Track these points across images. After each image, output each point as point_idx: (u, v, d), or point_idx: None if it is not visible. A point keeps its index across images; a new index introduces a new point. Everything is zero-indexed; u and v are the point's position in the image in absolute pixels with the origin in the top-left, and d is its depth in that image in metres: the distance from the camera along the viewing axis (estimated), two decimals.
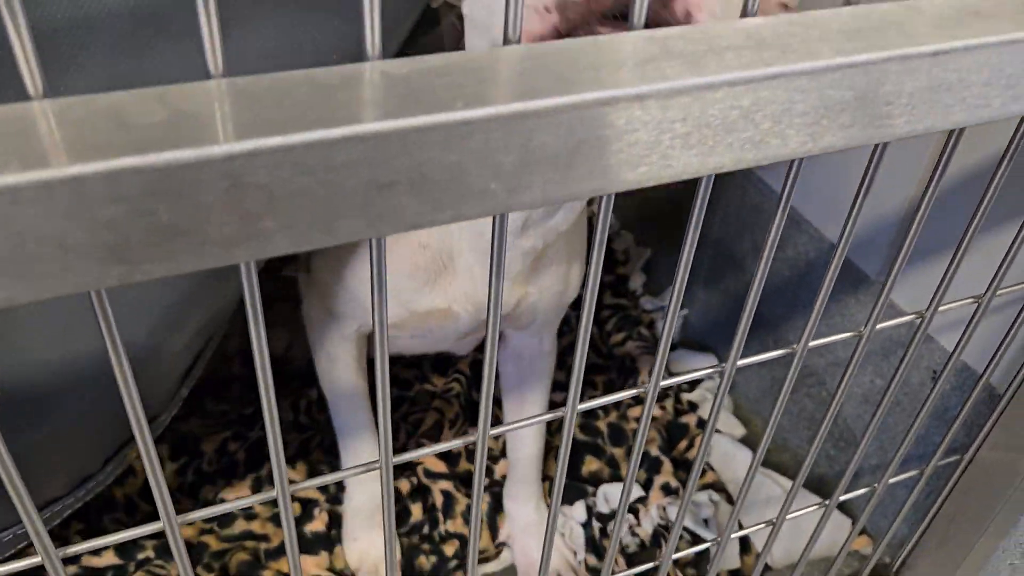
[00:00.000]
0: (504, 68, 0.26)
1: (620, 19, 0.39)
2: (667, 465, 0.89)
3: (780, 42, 0.29)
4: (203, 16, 0.24)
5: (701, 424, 0.96)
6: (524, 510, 0.85)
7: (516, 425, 0.44)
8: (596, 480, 0.91)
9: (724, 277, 1.03)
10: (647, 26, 0.29)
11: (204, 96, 0.24)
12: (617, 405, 1.00)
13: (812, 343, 0.47)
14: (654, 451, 0.91)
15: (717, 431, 0.97)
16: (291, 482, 0.38)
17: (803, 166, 0.35)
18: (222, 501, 0.38)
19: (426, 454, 0.41)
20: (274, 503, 0.48)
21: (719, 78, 0.27)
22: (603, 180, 0.27)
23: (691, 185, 0.33)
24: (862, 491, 0.65)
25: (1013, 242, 0.49)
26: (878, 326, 0.48)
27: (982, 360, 0.64)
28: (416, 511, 0.88)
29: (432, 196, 0.25)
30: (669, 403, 0.98)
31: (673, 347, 1.09)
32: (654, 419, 0.96)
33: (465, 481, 0.91)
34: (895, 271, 0.44)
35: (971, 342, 0.60)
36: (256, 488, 0.87)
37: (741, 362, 0.46)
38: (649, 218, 1.17)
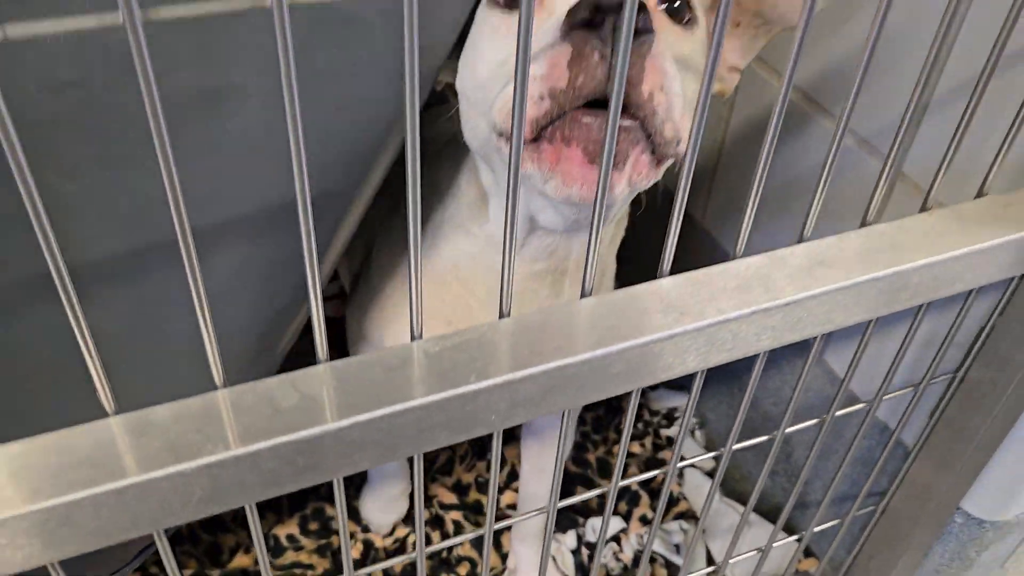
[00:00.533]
0: (506, 342, 0.41)
1: (600, 104, 0.46)
2: (644, 498, 1.05)
3: (682, 303, 0.44)
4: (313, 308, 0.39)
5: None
6: (530, 552, 1.00)
7: (521, 518, 0.59)
8: (586, 510, 1.07)
9: None
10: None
11: (317, 380, 0.39)
12: (605, 439, 1.15)
13: (789, 429, 0.62)
14: (634, 486, 1.06)
15: (691, 466, 1.12)
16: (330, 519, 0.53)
17: None
18: (274, 536, 0.53)
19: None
20: (319, 535, 0.63)
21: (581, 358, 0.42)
22: (573, 399, 0.42)
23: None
24: (822, 526, 0.81)
25: (941, 346, 0.64)
26: (837, 412, 0.64)
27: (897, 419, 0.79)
28: (435, 537, 1.04)
29: (453, 430, 0.40)
30: (648, 439, 1.14)
31: (653, 387, 1.24)
32: (633, 455, 1.12)
33: (474, 509, 1.07)
34: (852, 366, 0.59)
35: (889, 406, 0.75)
36: (302, 523, 1.03)
37: (737, 446, 0.62)
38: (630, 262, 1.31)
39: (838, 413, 0.64)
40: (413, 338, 0.41)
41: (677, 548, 1.01)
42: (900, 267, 0.46)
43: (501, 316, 0.42)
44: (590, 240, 0.41)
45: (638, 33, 0.44)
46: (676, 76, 0.47)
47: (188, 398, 0.37)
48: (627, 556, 1.00)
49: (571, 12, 0.44)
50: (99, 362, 0.35)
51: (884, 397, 0.66)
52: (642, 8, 0.44)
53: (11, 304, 0.51)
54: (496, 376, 0.39)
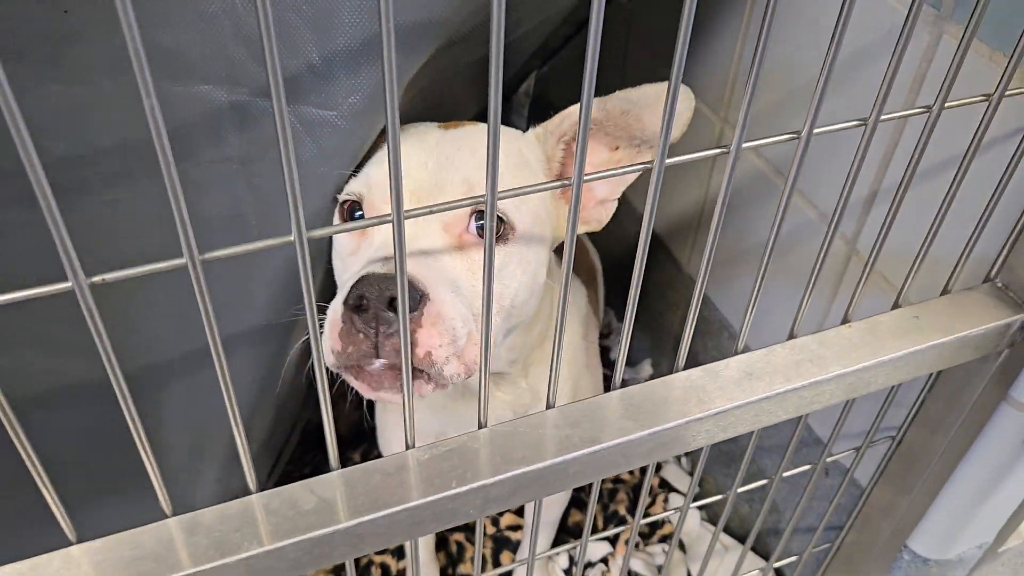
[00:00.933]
0: (483, 450, 0.51)
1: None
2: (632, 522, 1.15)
3: (643, 410, 0.53)
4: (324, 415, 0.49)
5: (663, 484, 1.21)
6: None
7: (518, 565, 0.69)
8: (579, 530, 1.16)
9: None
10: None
11: (330, 486, 0.48)
12: None
13: (787, 473, 0.72)
14: (622, 511, 1.16)
15: (675, 490, 1.22)
16: None
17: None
18: None
19: None
20: None
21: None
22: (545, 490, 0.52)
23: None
24: (791, 557, 0.90)
25: (877, 416, 0.73)
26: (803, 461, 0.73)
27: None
28: (441, 557, 1.14)
29: (440, 521, 0.50)
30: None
31: None
32: (623, 482, 1.21)
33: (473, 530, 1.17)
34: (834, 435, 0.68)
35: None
36: None
37: (742, 490, 0.71)
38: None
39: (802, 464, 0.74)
40: (408, 447, 0.51)
41: (659, 569, 1.11)
42: (818, 377, 0.56)
43: (480, 427, 0.52)
44: (555, 357, 0.50)
45: (411, 307, 0.53)
46: (455, 320, 0.56)
47: (229, 502, 0.47)
48: None
49: (345, 299, 0.54)
50: (158, 469, 0.45)
51: (828, 459, 0.75)
52: (411, 286, 0.54)
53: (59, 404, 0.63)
54: (474, 481, 0.49)
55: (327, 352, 0.56)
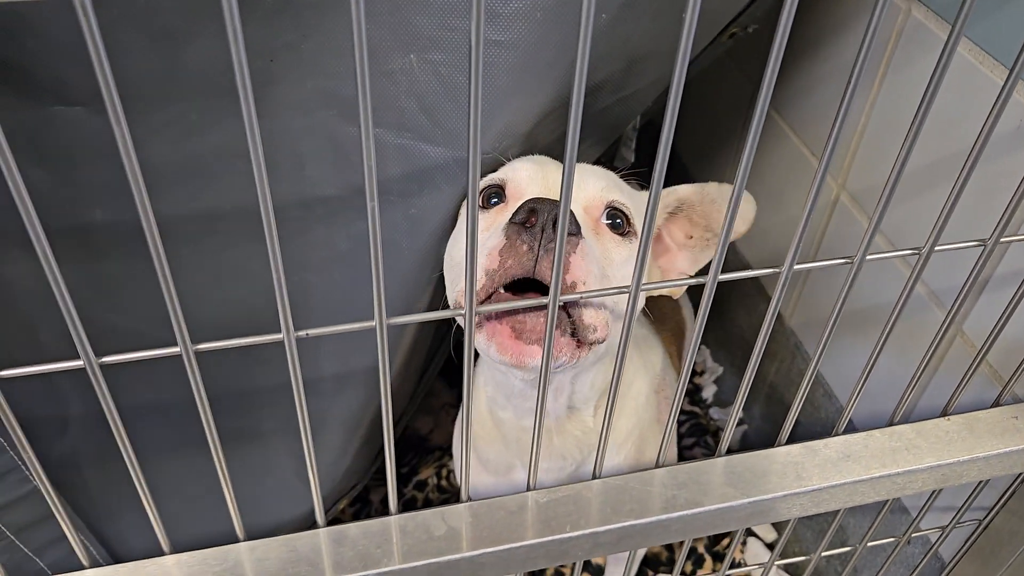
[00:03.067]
0: (596, 500, 0.56)
1: (528, 286, 0.56)
2: (708, 561, 1.19)
3: (744, 479, 0.58)
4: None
5: None
6: None
7: None
8: (656, 562, 1.21)
9: (777, 406, 1.30)
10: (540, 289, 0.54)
11: (459, 516, 0.55)
12: None
13: (870, 544, 0.76)
14: (700, 548, 1.20)
15: (752, 534, 1.25)
16: None
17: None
18: None
19: None
20: None
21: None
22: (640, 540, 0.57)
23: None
24: None
25: (963, 504, 0.76)
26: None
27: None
28: None
29: (550, 559, 0.56)
30: None
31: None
32: None
33: None
34: (922, 513, 0.72)
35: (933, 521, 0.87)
36: None
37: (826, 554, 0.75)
38: (727, 341, 1.44)
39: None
40: (529, 488, 0.57)
41: None
42: (912, 467, 0.59)
43: (594, 477, 0.58)
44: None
45: (568, 234, 0.53)
46: (599, 275, 0.57)
47: (372, 520, 0.54)
48: None
49: (513, 215, 0.56)
50: (316, 483, 0.53)
51: (914, 534, 0.78)
52: (572, 216, 0.55)
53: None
54: (586, 528, 0.55)
55: (480, 274, 0.56)
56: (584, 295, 0.51)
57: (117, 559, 0.79)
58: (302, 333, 0.42)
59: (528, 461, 0.56)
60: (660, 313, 0.99)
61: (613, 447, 0.76)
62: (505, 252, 0.55)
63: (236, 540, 0.53)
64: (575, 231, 0.56)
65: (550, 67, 0.64)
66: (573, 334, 0.57)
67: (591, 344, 0.58)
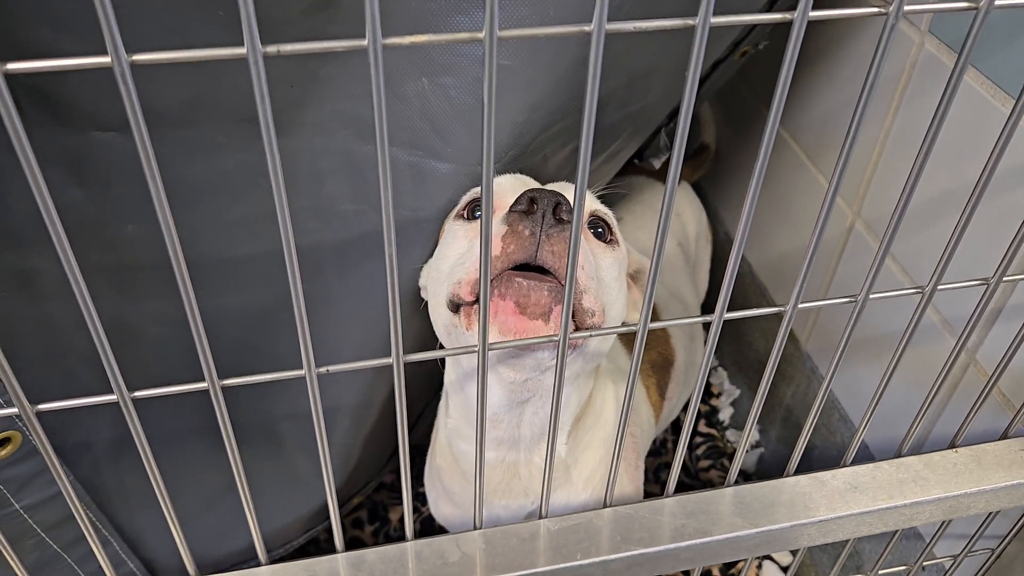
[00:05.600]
0: (606, 528, 0.58)
1: (529, 270, 0.56)
2: None
3: (752, 509, 0.59)
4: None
5: None
6: None
7: None
8: None
9: (793, 429, 1.30)
10: (542, 270, 0.55)
11: (473, 543, 0.56)
12: None
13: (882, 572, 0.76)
14: (715, 572, 1.20)
15: (768, 558, 1.25)
16: None
17: None
18: None
19: None
20: None
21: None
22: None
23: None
24: None
25: (972, 537, 0.76)
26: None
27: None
28: None
29: None
30: None
31: (747, 478, 1.37)
32: None
33: None
34: (933, 542, 0.73)
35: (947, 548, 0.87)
36: None
37: None
38: (745, 364, 1.45)
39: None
40: (541, 516, 0.58)
41: None
42: (919, 499, 0.60)
43: (605, 505, 0.59)
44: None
45: (563, 223, 0.56)
46: (592, 264, 0.59)
47: (390, 545, 0.56)
48: None
49: (513, 204, 0.57)
50: (338, 507, 0.54)
51: (926, 562, 0.78)
52: (567, 204, 0.57)
53: None
54: (596, 556, 0.56)
55: (474, 270, 0.58)
56: (596, 332, 0.53)
57: (136, 553, 0.82)
58: (323, 370, 0.44)
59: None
60: None
61: (579, 483, 0.76)
62: (507, 238, 0.56)
63: (253, 554, 0.55)
64: (571, 219, 0.57)
65: (553, 83, 0.67)
66: (572, 317, 0.57)
67: (588, 328, 0.58)
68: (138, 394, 0.42)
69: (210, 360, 0.42)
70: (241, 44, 0.31)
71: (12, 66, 0.30)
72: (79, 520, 0.49)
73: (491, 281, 0.56)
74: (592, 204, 0.68)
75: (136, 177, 0.71)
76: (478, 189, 0.69)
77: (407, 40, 0.33)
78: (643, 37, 0.70)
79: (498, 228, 0.57)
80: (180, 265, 0.38)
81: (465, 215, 0.68)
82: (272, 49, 0.32)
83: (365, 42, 0.32)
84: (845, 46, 1.02)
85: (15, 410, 0.41)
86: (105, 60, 0.31)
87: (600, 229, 0.67)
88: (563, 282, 0.56)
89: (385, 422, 0.87)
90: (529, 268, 0.56)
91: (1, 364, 0.39)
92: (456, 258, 0.63)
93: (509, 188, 0.67)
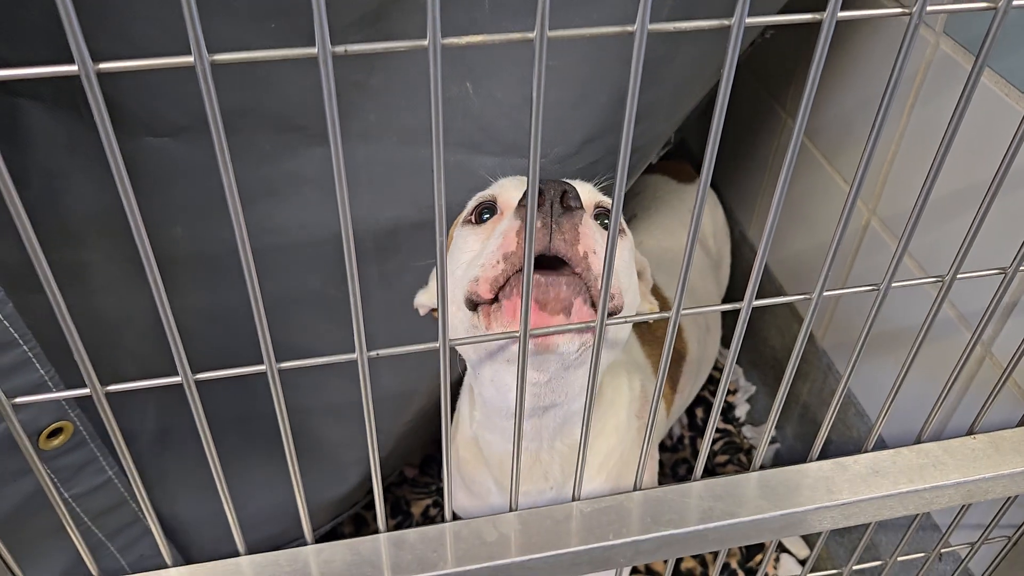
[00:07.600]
0: (636, 510, 0.60)
1: (544, 264, 0.57)
2: (741, 575, 1.21)
3: (777, 493, 0.61)
4: None
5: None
6: None
7: None
8: (691, 575, 1.24)
9: (809, 425, 1.32)
10: (556, 261, 0.55)
11: (509, 524, 0.59)
12: None
13: (902, 558, 0.78)
14: (733, 564, 1.22)
15: (786, 551, 1.27)
16: None
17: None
18: None
19: None
20: None
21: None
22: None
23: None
24: None
25: (989, 525, 0.78)
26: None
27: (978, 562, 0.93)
28: None
29: (593, 566, 0.59)
30: None
31: None
32: None
33: None
34: (951, 528, 0.75)
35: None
36: None
37: (856, 567, 0.78)
38: (761, 361, 1.46)
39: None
40: (574, 499, 0.60)
41: None
42: (939, 483, 0.62)
43: (635, 488, 0.61)
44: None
45: (571, 210, 0.56)
46: (603, 247, 0.59)
47: (430, 526, 0.58)
48: None
49: (521, 199, 0.57)
50: (381, 489, 0.57)
51: (943, 550, 0.80)
52: (575, 192, 0.58)
53: None
54: (627, 536, 0.58)
55: (489, 268, 0.57)
56: (631, 318, 0.55)
57: (170, 536, 0.85)
58: (373, 353, 0.46)
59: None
60: (653, 336, 0.98)
61: (593, 468, 0.78)
62: (521, 232, 0.57)
63: (301, 538, 0.57)
64: (578, 205, 0.58)
65: (595, 84, 0.71)
66: (592, 305, 0.58)
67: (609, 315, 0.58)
68: (201, 376, 0.45)
69: (270, 347, 0.44)
70: None
71: (103, 66, 0.33)
72: (141, 506, 0.51)
73: (508, 280, 0.57)
74: (595, 197, 0.69)
75: (185, 181, 0.75)
76: (485, 193, 0.71)
77: (463, 40, 0.36)
78: (687, 44, 0.74)
79: (510, 224, 0.58)
80: (248, 261, 0.40)
81: (473, 219, 0.68)
82: (340, 49, 0.35)
83: (426, 42, 0.35)
84: (861, 47, 1.04)
85: (87, 391, 0.44)
86: (188, 60, 0.33)
87: (606, 220, 0.68)
88: (578, 271, 0.57)
89: (422, 417, 0.90)
90: (542, 261, 0.57)
91: (76, 345, 0.42)
92: (466, 264, 0.64)
93: (513, 187, 0.69)
